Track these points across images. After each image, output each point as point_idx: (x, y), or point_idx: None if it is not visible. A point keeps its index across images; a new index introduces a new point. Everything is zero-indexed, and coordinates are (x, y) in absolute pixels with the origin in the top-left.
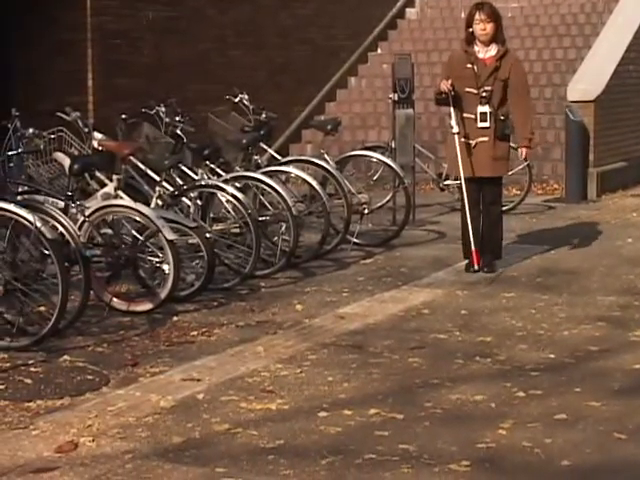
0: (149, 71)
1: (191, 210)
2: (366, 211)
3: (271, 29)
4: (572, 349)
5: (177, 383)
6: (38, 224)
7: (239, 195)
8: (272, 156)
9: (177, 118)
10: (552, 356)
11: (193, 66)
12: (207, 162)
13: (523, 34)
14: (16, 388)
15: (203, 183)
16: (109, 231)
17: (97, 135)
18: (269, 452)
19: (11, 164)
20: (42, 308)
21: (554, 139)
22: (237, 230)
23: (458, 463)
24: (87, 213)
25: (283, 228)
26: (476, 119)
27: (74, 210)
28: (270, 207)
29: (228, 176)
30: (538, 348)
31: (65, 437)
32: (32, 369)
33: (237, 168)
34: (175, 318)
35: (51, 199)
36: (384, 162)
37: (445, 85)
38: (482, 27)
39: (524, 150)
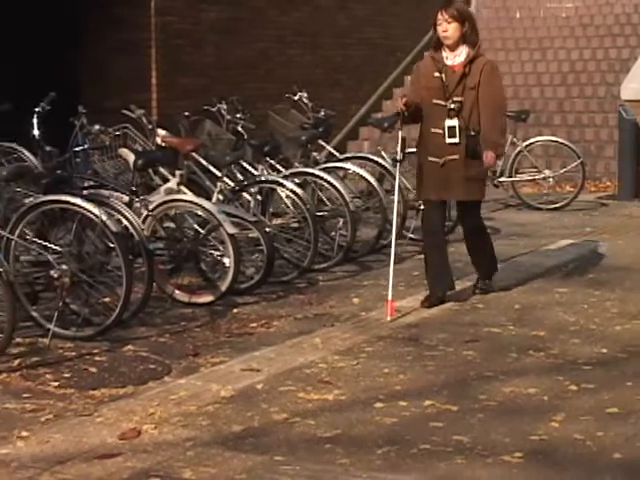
0: (211, 70)
1: (251, 205)
2: (421, 207)
3: (330, 29)
4: (624, 344)
5: (237, 373)
6: (103, 218)
7: (298, 191)
8: (330, 153)
9: (238, 115)
10: (604, 351)
11: (254, 65)
12: (267, 158)
13: (577, 34)
14: (81, 377)
15: (263, 179)
16: (172, 225)
17: (160, 132)
18: (326, 441)
19: (78, 160)
20: (107, 299)
21: (607, 137)
22: (296, 225)
23: (511, 455)
24: (151, 207)
25: (341, 223)
26: (444, 134)
27: (138, 204)
28: (328, 202)
29: (287, 172)
30: (590, 343)
31: (128, 424)
32: (97, 358)
33: (296, 164)
34: (235, 310)
35: (116, 194)
36: None
37: (400, 104)
38: (443, 28)
39: (488, 154)
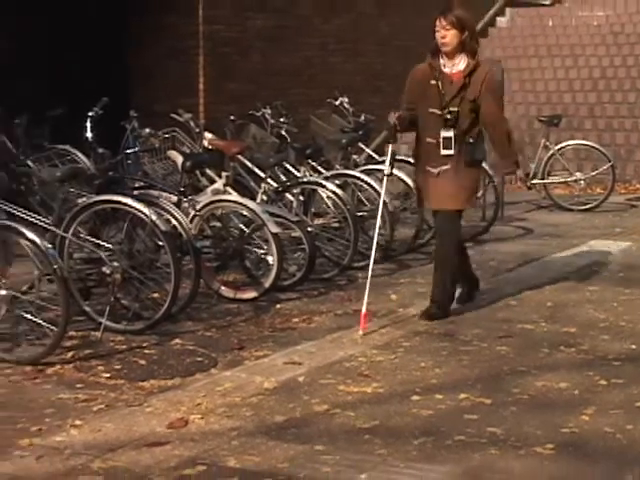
0: (256, 76)
1: (294, 205)
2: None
3: (370, 37)
4: None
5: (280, 366)
6: (153, 217)
7: (339, 191)
8: (369, 155)
9: (282, 120)
10: (633, 347)
11: (297, 71)
12: (309, 160)
13: (608, 42)
14: (131, 368)
15: (305, 180)
16: (218, 224)
17: (207, 135)
18: (365, 432)
19: (129, 161)
20: (156, 295)
21: (637, 141)
22: (336, 224)
23: (543, 446)
24: (198, 207)
25: (380, 223)
26: (439, 145)
27: (186, 204)
28: (367, 203)
29: (328, 174)
30: (620, 339)
31: (176, 414)
32: (146, 351)
33: (337, 166)
34: (278, 306)
35: (165, 194)
36: None
37: (392, 118)
38: (442, 35)
39: (513, 172)
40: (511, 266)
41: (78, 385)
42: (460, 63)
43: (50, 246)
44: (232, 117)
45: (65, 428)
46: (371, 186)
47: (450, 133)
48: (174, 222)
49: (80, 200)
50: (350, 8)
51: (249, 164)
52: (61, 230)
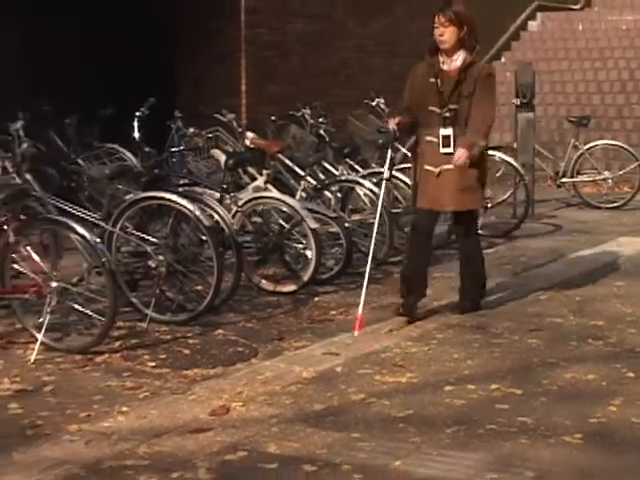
0: (296, 78)
1: (332, 202)
2: (489, 205)
3: (405, 39)
4: None
5: (318, 357)
6: (197, 213)
7: (375, 189)
8: (405, 155)
9: (320, 120)
10: None
11: (335, 74)
12: (347, 159)
13: (637, 44)
14: (175, 357)
15: (343, 178)
16: (259, 220)
17: (249, 134)
18: (400, 421)
19: (174, 160)
20: (199, 287)
21: None
22: (373, 220)
23: (572, 436)
24: (240, 204)
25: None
26: (439, 143)
27: (228, 201)
28: (402, 200)
29: (365, 172)
30: None
31: (218, 402)
32: (190, 341)
33: (373, 165)
34: (316, 299)
35: (208, 191)
36: (506, 161)
37: (392, 124)
38: (439, 32)
39: (460, 150)
40: (541, 262)
41: (125, 373)
42: (458, 59)
43: (99, 240)
44: (273, 117)
45: (112, 414)
46: (406, 184)
47: (449, 131)
48: (217, 218)
49: (127, 196)
50: (386, 11)
51: (289, 162)
52: (109, 225)
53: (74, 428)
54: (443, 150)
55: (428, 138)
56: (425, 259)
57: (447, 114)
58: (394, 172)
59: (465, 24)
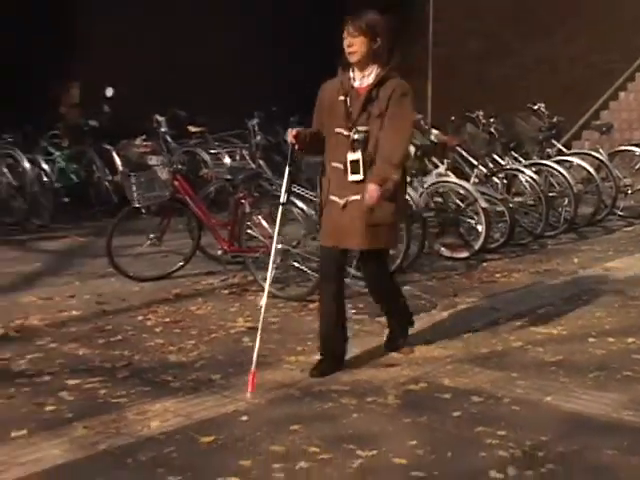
0: (472, 87)
1: (499, 186)
2: (629, 191)
3: (563, 57)
4: None
5: (486, 310)
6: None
7: (534, 176)
8: (560, 149)
9: (491, 120)
10: None
11: (505, 84)
12: (512, 152)
13: None
14: (372, 307)
15: (509, 167)
16: (440, 199)
17: (434, 131)
18: (551, 365)
19: None
20: (391, 252)
21: None
22: (532, 202)
23: None
24: (425, 186)
25: (566, 202)
26: (346, 170)
27: (416, 183)
28: (557, 186)
29: (527, 163)
30: None
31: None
32: None
33: (534, 157)
34: (484, 264)
35: None
36: None
37: (290, 135)
38: (348, 43)
39: (372, 188)
40: None
41: None
42: (371, 75)
43: (314, 212)
44: (452, 118)
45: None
46: (561, 173)
47: (357, 155)
48: (407, 197)
49: None
50: (548, 34)
51: (465, 154)
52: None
53: (292, 359)
54: (351, 177)
55: (334, 164)
56: (337, 311)
57: (356, 137)
58: (550, 163)
59: (379, 35)
